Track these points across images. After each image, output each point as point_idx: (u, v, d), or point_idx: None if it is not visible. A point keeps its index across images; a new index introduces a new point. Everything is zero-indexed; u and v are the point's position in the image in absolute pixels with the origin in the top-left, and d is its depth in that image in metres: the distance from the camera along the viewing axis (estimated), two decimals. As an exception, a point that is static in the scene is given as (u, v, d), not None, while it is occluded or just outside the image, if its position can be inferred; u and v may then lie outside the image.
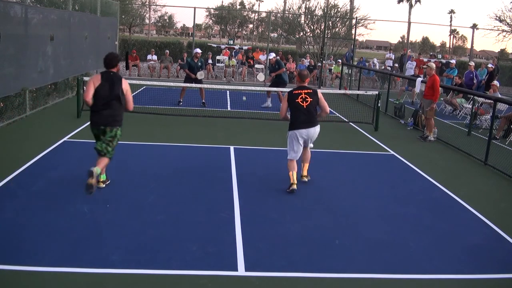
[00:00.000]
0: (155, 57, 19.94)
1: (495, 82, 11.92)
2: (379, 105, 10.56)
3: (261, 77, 13.55)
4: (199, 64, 12.33)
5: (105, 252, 4.16)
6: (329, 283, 3.94)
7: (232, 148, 8.09)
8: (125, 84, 5.56)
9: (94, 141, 5.69)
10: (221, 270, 4.01)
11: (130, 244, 4.34)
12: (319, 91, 6.32)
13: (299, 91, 6.09)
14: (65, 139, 7.98)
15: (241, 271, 4.02)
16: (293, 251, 4.43)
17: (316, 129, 6.17)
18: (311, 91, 6.13)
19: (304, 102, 6.03)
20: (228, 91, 15.29)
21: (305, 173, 6.43)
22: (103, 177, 5.77)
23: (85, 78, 10.58)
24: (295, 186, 5.98)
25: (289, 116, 6.21)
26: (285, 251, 4.43)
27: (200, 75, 12.20)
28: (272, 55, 12.88)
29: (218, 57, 20.94)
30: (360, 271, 4.15)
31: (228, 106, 12.80)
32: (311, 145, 6.40)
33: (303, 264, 4.20)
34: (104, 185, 5.77)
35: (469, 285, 4.11)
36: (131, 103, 5.65)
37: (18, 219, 4.72)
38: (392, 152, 8.62)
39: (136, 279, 3.80)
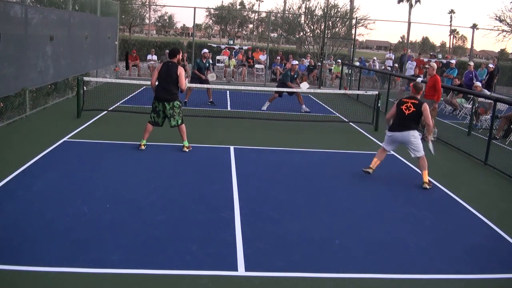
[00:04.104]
0: (155, 57, 19.93)
1: (477, 83, 12.34)
2: (379, 105, 10.56)
3: (305, 85, 13.06)
4: (207, 64, 12.36)
5: (105, 252, 4.16)
6: (329, 283, 3.94)
7: (232, 148, 8.09)
8: (179, 72, 7.25)
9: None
10: (221, 270, 4.01)
11: (130, 244, 4.34)
12: (425, 106, 6.69)
13: (407, 100, 6.70)
14: (65, 139, 7.97)
15: (241, 271, 4.02)
16: (293, 251, 4.43)
17: (410, 133, 6.63)
18: (417, 102, 6.63)
19: (407, 110, 6.60)
20: (228, 91, 15.29)
21: (425, 179, 6.61)
22: (186, 143, 7.60)
23: (85, 78, 10.60)
24: (369, 171, 6.78)
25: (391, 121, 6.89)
26: (285, 251, 4.43)
27: (212, 77, 12.21)
28: (295, 62, 12.84)
29: (218, 57, 20.94)
30: (360, 271, 4.15)
31: (228, 106, 12.80)
32: (416, 153, 6.73)
33: (303, 264, 4.20)
34: (187, 150, 7.55)
35: (469, 285, 4.11)
36: (183, 84, 7.28)
37: (18, 219, 4.72)
38: (392, 152, 8.60)
39: (136, 279, 3.80)
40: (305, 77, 19.55)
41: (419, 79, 12.61)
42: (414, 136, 6.66)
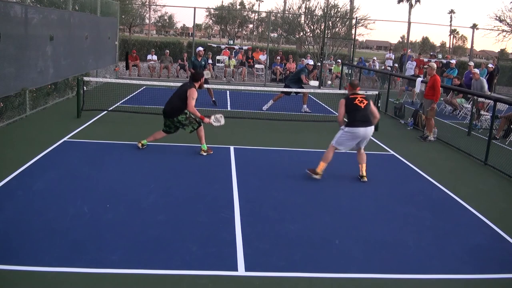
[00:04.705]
0: (155, 57, 19.94)
1: (475, 70, 12.59)
2: (379, 105, 10.56)
3: (315, 83, 13.13)
4: (203, 62, 12.24)
5: (105, 252, 4.16)
6: (329, 283, 3.95)
7: (232, 148, 8.09)
8: (189, 91, 7.21)
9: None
10: (221, 270, 4.01)
11: (130, 244, 4.34)
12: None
13: (355, 96, 6.72)
14: (65, 139, 7.97)
15: (241, 271, 4.02)
16: (293, 251, 4.43)
17: (373, 128, 6.71)
18: (364, 95, 6.78)
19: (361, 103, 6.63)
20: (228, 91, 15.29)
21: (364, 172, 6.81)
22: (203, 147, 7.56)
23: (85, 78, 10.60)
24: (318, 177, 6.62)
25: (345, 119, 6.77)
26: (285, 251, 4.43)
27: (207, 74, 12.10)
28: (311, 62, 13.06)
29: (218, 57, 20.94)
30: (360, 271, 4.15)
31: (228, 106, 12.80)
32: (364, 146, 6.81)
33: (303, 264, 4.20)
34: (205, 154, 7.49)
35: (469, 285, 4.11)
36: (190, 105, 7.18)
37: (18, 219, 4.72)
38: (392, 152, 8.61)
39: (136, 279, 3.80)
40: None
41: (419, 79, 12.67)
42: (372, 132, 6.76)
